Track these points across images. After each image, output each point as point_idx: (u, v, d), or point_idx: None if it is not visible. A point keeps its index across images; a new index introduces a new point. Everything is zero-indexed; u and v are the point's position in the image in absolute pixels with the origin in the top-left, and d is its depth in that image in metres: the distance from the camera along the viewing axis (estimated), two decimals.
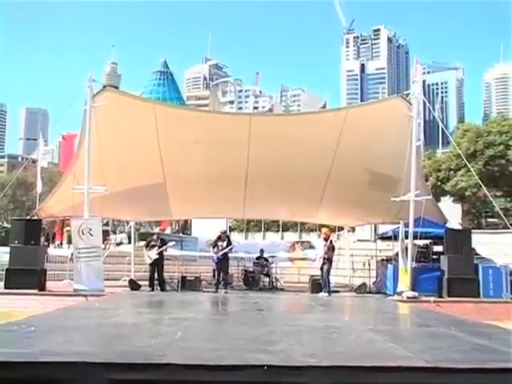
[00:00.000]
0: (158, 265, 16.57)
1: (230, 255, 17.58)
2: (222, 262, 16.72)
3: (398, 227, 16.28)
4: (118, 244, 30.86)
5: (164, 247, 16.69)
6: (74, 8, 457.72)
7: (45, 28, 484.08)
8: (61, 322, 8.70)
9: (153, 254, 16.43)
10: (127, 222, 31.79)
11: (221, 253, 16.58)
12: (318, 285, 16.78)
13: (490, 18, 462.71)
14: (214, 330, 8.71)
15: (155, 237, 17.21)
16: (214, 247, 17.00)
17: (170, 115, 16.58)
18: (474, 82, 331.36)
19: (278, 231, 38.58)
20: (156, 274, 16.59)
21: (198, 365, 4.88)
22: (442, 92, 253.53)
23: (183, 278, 17.63)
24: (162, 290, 16.40)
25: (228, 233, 21.55)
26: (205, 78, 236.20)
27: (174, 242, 17.85)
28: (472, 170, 27.74)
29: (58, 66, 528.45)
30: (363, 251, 21.07)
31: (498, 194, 34.82)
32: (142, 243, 26.94)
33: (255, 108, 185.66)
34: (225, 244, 16.75)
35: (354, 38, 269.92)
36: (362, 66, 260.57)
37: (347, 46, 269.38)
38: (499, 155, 35.53)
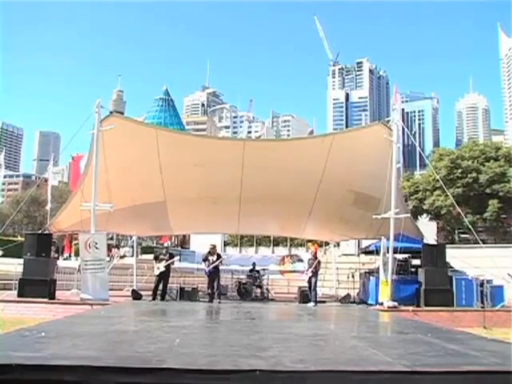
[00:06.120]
0: (164, 276, 16.48)
1: (223, 267, 17.54)
2: (214, 274, 16.60)
3: (380, 242, 16.34)
4: (122, 257, 30.68)
5: (170, 261, 16.58)
6: (85, 42, 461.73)
7: (59, 63, 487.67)
8: (68, 328, 8.64)
9: (161, 266, 16.34)
10: (130, 237, 31.70)
11: (212, 266, 16.49)
12: (306, 295, 16.78)
13: (461, 52, 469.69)
14: (210, 337, 8.66)
15: (164, 251, 17.12)
16: (205, 261, 16.83)
17: (170, 139, 16.57)
18: (448, 110, 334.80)
19: (270, 246, 38.56)
20: (161, 285, 16.46)
21: (194, 369, 4.85)
22: (419, 119, 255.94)
23: (181, 288, 17.52)
24: (162, 299, 16.28)
25: (222, 247, 21.39)
26: (203, 105, 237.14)
27: (178, 257, 17.74)
28: (449, 193, 28.30)
29: (70, 94, 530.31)
30: (348, 264, 21.04)
31: (469, 211, 35.02)
32: (145, 256, 26.97)
33: (249, 132, 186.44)
34: (215, 258, 16.66)
35: (340, 69, 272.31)
36: (347, 95, 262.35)
37: (333, 77, 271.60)
38: (472, 181, 36.02)
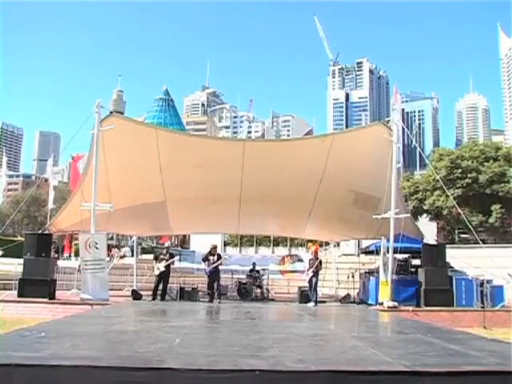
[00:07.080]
0: (164, 276, 16.46)
1: (223, 267, 17.52)
2: (214, 275, 16.59)
3: (380, 242, 16.32)
4: (122, 257, 30.64)
5: (170, 260, 16.57)
6: (85, 43, 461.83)
7: (59, 63, 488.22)
8: (68, 328, 8.63)
9: (161, 266, 16.33)
10: (130, 237, 31.67)
11: (212, 266, 16.47)
12: (306, 295, 16.78)
13: (461, 52, 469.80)
14: (210, 337, 8.66)
15: (164, 251, 17.12)
16: (205, 261, 16.83)
17: (170, 139, 16.55)
18: (448, 110, 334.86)
19: (270, 246, 38.53)
20: (161, 285, 16.44)
21: (194, 369, 4.86)
22: (419, 119, 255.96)
23: (181, 288, 17.51)
24: (162, 299, 16.27)
25: (222, 247, 21.34)
26: (203, 105, 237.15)
27: (178, 257, 17.75)
28: (449, 194, 28.41)
29: (70, 94, 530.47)
30: (348, 264, 21.02)
31: (469, 210, 35.05)
32: (145, 256, 26.94)
33: (249, 132, 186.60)
34: (216, 258, 16.64)
35: (340, 69, 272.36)
36: (347, 95, 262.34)
37: (333, 77, 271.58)
38: (472, 181, 36.01)
